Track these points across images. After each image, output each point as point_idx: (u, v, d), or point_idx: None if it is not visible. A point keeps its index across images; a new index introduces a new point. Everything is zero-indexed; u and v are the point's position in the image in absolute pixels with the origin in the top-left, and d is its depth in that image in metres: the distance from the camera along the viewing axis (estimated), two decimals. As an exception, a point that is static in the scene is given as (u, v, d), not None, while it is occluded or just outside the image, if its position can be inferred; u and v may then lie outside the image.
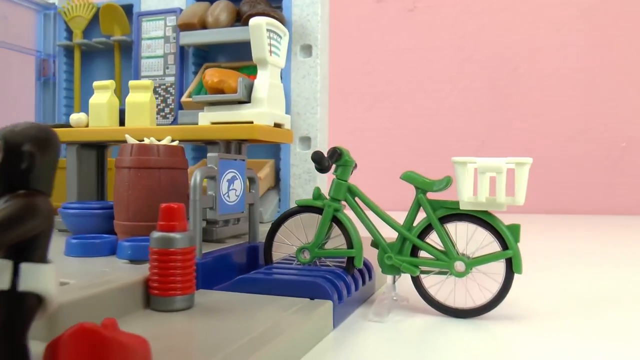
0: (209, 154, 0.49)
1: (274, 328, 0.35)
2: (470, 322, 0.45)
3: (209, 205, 0.48)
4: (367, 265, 0.52)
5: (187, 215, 0.43)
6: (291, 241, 0.51)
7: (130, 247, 0.46)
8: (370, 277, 0.52)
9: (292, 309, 0.39)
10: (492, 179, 0.44)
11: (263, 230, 0.64)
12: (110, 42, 0.88)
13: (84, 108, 0.86)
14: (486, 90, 1.64)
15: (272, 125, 0.58)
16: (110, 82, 0.63)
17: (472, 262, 0.45)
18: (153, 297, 0.39)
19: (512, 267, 0.45)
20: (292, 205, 0.76)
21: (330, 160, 0.48)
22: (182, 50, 0.81)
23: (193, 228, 0.45)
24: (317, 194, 0.49)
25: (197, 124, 0.59)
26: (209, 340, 0.34)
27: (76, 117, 0.64)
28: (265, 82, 0.56)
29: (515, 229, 0.45)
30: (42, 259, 0.26)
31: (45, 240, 0.26)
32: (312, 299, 0.42)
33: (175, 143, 0.56)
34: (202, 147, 0.81)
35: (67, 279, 0.39)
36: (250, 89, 0.56)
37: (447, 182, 0.46)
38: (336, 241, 0.49)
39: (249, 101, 0.56)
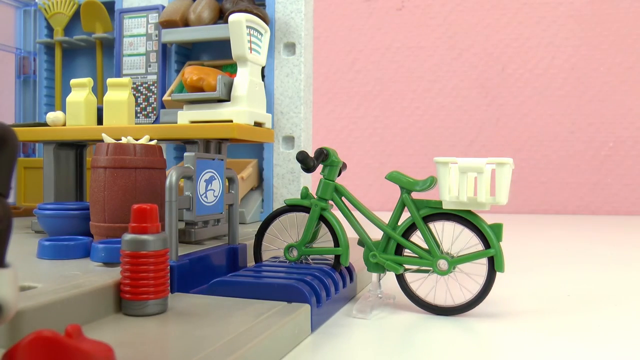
0: (185, 154, 0.48)
1: (247, 333, 0.34)
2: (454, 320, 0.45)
3: (185, 206, 0.47)
4: (348, 267, 0.51)
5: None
6: (283, 238, 0.51)
7: (103, 250, 0.44)
8: (351, 279, 0.51)
9: (268, 313, 0.38)
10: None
11: (244, 231, 0.63)
12: (92, 39, 0.86)
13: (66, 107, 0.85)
14: (475, 90, 1.64)
15: (252, 124, 0.57)
16: (87, 80, 0.62)
17: (455, 261, 0.45)
18: (125, 301, 0.38)
19: (494, 266, 0.45)
20: (276, 205, 0.75)
21: (317, 160, 0.48)
22: (164, 48, 0.80)
23: (168, 230, 0.43)
24: (305, 194, 0.49)
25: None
26: (179, 345, 0.32)
27: (53, 116, 0.63)
28: (245, 80, 0.55)
29: (497, 228, 0.45)
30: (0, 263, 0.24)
31: (1, 243, 0.25)
32: (289, 302, 0.41)
33: (154, 142, 0.55)
34: (185, 146, 0.80)
35: (35, 282, 0.38)
36: (229, 87, 0.55)
37: (431, 182, 0.46)
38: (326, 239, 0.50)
39: (228, 99, 0.55)
